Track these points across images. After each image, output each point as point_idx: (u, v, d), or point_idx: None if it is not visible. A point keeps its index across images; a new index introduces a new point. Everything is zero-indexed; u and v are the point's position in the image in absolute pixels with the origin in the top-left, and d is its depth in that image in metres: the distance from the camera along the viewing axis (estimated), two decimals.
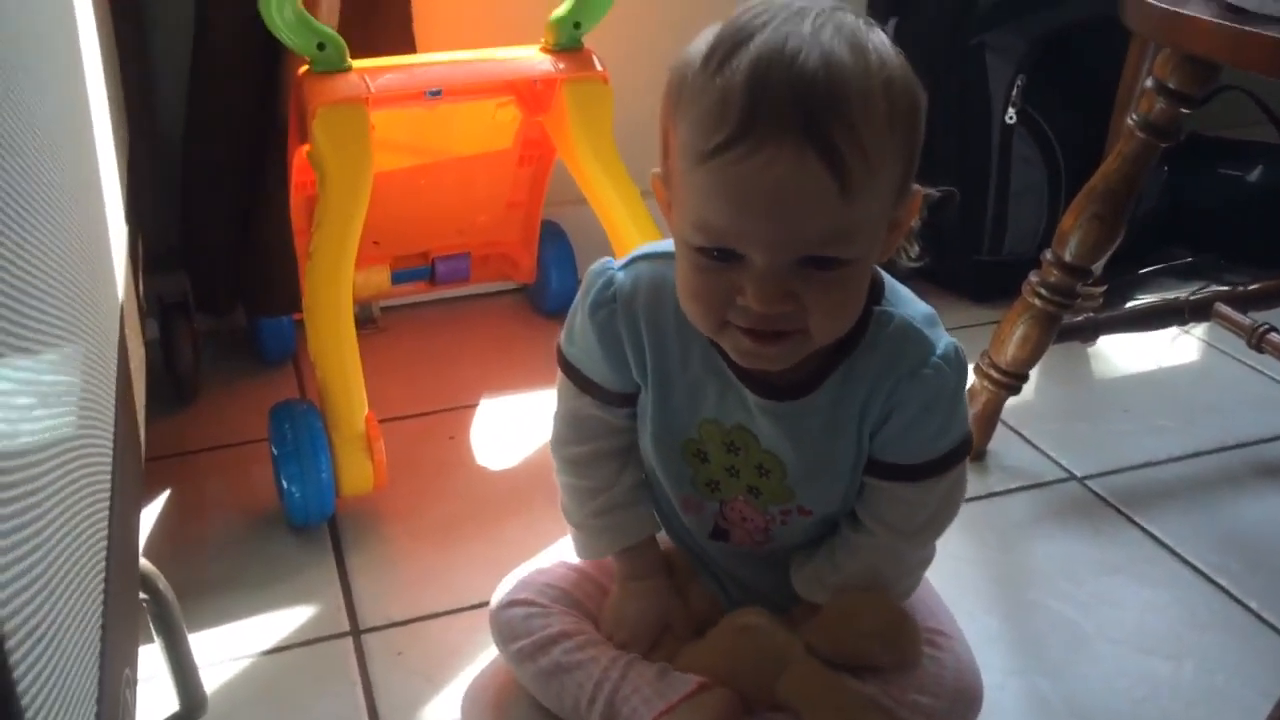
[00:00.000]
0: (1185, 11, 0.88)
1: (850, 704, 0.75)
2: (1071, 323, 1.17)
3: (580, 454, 0.81)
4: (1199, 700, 0.89)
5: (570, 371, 0.79)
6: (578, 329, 0.77)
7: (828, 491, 0.76)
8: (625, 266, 0.75)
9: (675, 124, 0.65)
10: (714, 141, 0.61)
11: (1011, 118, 1.47)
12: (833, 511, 0.78)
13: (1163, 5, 0.90)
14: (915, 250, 0.73)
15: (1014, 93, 1.46)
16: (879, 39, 0.65)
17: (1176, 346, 1.44)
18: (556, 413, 0.82)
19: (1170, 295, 1.50)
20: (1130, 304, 1.33)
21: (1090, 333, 1.20)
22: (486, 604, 0.85)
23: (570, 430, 0.81)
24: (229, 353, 1.39)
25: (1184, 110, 1.02)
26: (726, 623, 0.79)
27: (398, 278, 1.40)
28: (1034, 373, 1.30)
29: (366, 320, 1.49)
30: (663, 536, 0.85)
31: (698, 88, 0.63)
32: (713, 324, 0.67)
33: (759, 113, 0.60)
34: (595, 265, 0.77)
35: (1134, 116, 1.04)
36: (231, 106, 1.27)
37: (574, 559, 0.86)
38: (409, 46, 1.31)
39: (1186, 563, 1.05)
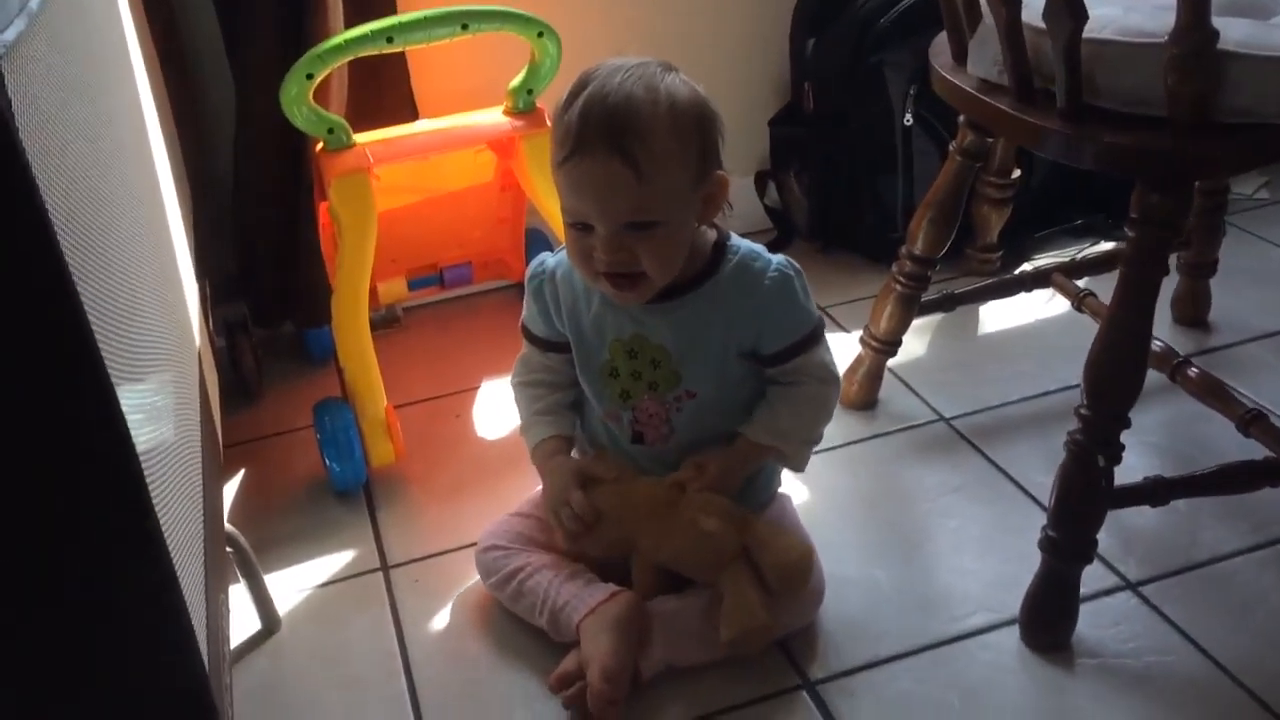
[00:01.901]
0: (955, 81, 1.17)
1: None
2: (930, 299, 1.47)
3: (527, 380, 1.19)
4: (993, 583, 1.21)
5: (525, 333, 1.19)
6: (526, 298, 1.17)
7: (703, 372, 1.10)
8: (554, 254, 1.14)
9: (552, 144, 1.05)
10: (561, 155, 1.01)
11: (909, 120, 1.76)
12: (710, 394, 1.11)
13: (944, 74, 1.20)
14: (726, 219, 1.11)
15: (908, 100, 1.75)
16: (671, 80, 1.02)
17: (1052, 303, 1.73)
18: (516, 361, 1.20)
19: (1053, 259, 1.80)
20: (990, 279, 1.60)
21: (948, 306, 1.50)
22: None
23: (522, 368, 1.20)
24: (284, 357, 1.74)
25: (988, 140, 1.32)
26: (690, 522, 1.09)
27: (414, 285, 1.74)
28: (927, 332, 1.62)
29: (392, 320, 1.83)
30: None
31: (557, 120, 1.03)
32: (587, 273, 1.05)
33: (584, 135, 0.99)
34: (535, 260, 1.16)
35: (953, 144, 1.34)
36: (270, 164, 1.59)
37: (532, 510, 1.21)
38: (412, 113, 1.64)
39: (1014, 481, 1.36)
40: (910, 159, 1.79)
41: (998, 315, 1.71)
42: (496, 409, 1.58)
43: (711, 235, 1.11)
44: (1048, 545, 1.10)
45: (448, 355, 1.74)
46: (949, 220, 1.37)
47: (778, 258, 1.11)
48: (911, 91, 1.74)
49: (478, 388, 1.65)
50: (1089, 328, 1.59)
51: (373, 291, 1.65)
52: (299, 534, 1.36)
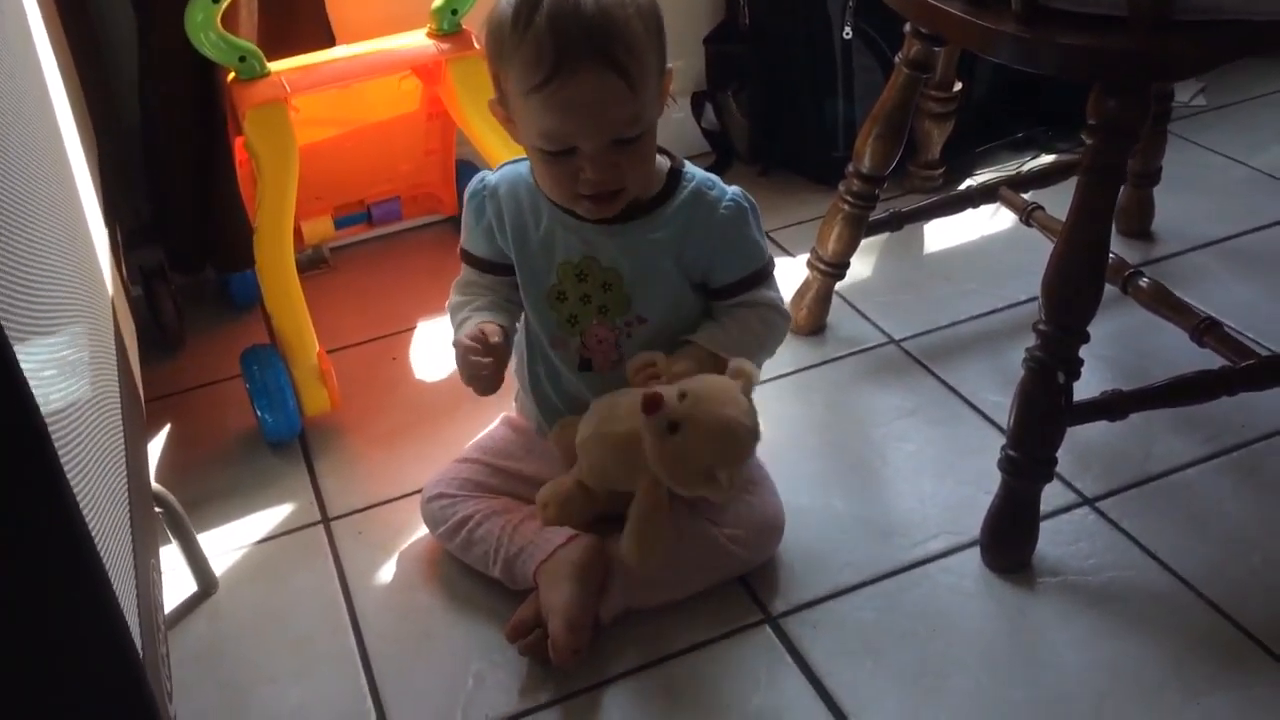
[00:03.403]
0: None
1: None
2: (878, 218, 1.43)
3: (463, 295, 1.11)
4: (952, 506, 1.19)
5: (463, 254, 1.12)
6: (465, 220, 1.10)
7: (656, 297, 1.05)
8: (494, 171, 1.09)
9: (503, 69, 0.98)
10: (539, 79, 0.92)
11: (848, 34, 1.71)
12: (661, 320, 1.06)
13: None
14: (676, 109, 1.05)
15: (846, 14, 1.69)
16: None
17: (996, 219, 1.70)
18: (453, 286, 1.13)
19: (995, 174, 1.77)
20: (934, 196, 1.57)
21: (895, 224, 1.46)
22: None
23: (459, 288, 1.13)
24: (206, 304, 1.65)
25: (936, 49, 1.27)
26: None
27: (340, 223, 1.67)
28: (873, 253, 1.59)
29: (319, 261, 1.74)
30: None
31: (515, 41, 0.94)
32: (566, 197, 1.00)
33: (564, 53, 0.91)
34: (474, 177, 1.10)
35: (899, 56, 1.29)
36: (178, 99, 1.49)
37: (479, 454, 1.16)
38: (328, 39, 1.55)
39: (967, 402, 1.34)
40: (850, 75, 1.74)
41: (943, 233, 1.68)
42: (434, 350, 1.52)
43: (666, 162, 1.05)
44: (1007, 465, 1.08)
45: (380, 296, 1.67)
46: (896, 135, 1.33)
47: (732, 189, 1.07)
48: (850, 3, 1.69)
49: (413, 328, 1.59)
50: (1035, 242, 1.57)
51: (297, 232, 1.57)
52: (232, 489, 1.30)
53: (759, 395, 1.15)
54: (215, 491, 1.30)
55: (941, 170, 1.79)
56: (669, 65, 1.00)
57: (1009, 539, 1.10)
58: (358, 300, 1.67)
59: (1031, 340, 1.05)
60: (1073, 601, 1.07)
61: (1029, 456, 1.07)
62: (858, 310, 1.53)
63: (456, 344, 1.05)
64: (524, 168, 1.08)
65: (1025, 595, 1.08)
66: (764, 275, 1.08)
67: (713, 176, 1.07)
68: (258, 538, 1.23)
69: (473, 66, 1.42)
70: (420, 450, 1.33)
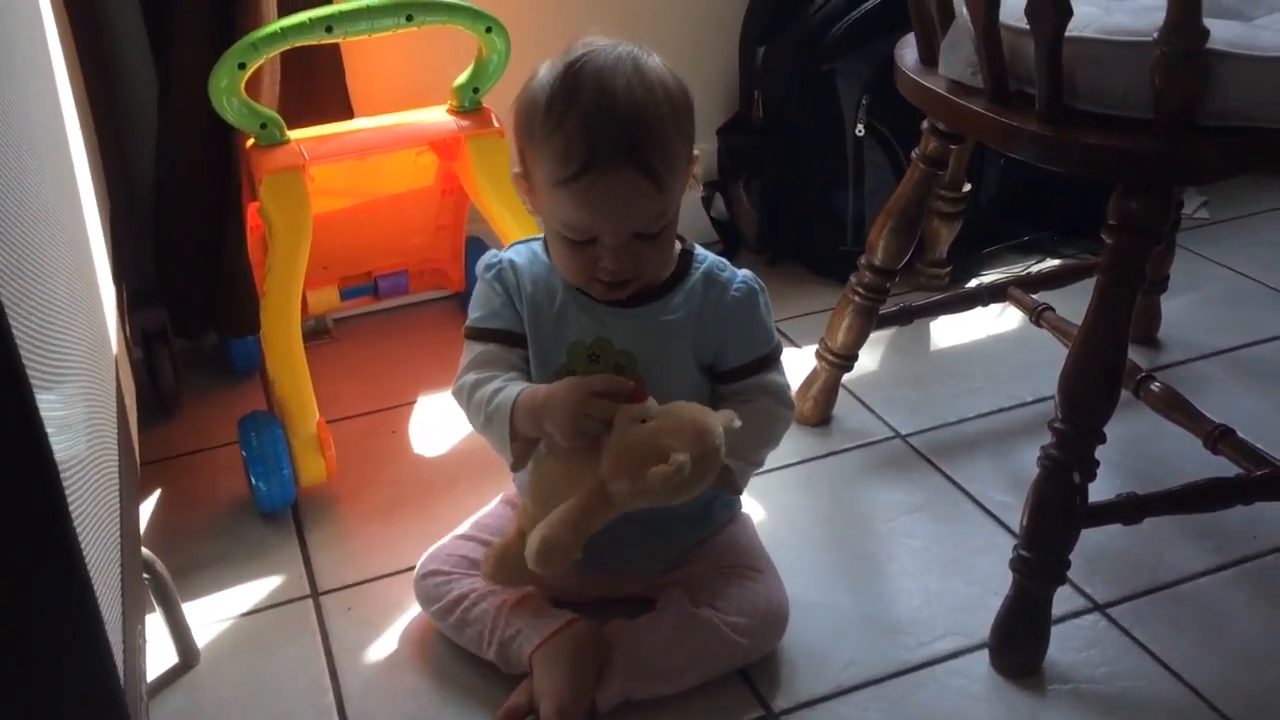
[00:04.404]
0: (924, 83, 1.13)
1: None
2: (888, 311, 1.42)
3: (481, 373, 1.04)
4: (960, 607, 1.16)
5: (476, 333, 1.07)
6: (477, 297, 1.07)
7: (668, 381, 1.02)
8: (507, 249, 1.07)
9: (531, 149, 0.97)
10: (568, 173, 0.92)
11: (860, 131, 1.73)
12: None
13: (912, 75, 1.16)
14: (700, 189, 1.05)
15: (860, 111, 1.71)
16: (656, 64, 0.96)
17: (1001, 319, 1.70)
18: (462, 367, 1.06)
19: (1000, 275, 1.78)
20: (944, 293, 1.58)
21: (905, 319, 1.46)
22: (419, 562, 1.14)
23: (473, 367, 1.05)
24: (204, 368, 1.64)
25: (952, 147, 1.28)
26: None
27: (346, 294, 1.66)
28: (880, 347, 1.58)
29: (321, 332, 1.74)
30: None
31: (547, 130, 0.93)
32: (581, 280, 1.00)
33: (595, 153, 0.91)
34: (486, 254, 1.08)
35: (916, 152, 1.30)
36: (194, 163, 1.49)
37: (476, 532, 1.13)
38: (346, 111, 1.56)
39: (974, 500, 1.32)
40: (861, 170, 1.75)
41: (949, 331, 1.68)
42: (434, 424, 1.50)
43: (676, 244, 1.05)
44: (1020, 565, 1.06)
45: (381, 368, 1.65)
46: (910, 230, 1.33)
47: (743, 272, 1.06)
48: (864, 101, 1.71)
49: (414, 402, 1.57)
50: (1043, 343, 1.57)
51: (302, 301, 1.58)
52: (221, 558, 1.27)
53: (763, 486, 1.13)
54: (203, 560, 1.26)
55: (948, 270, 1.80)
56: (695, 151, 1.00)
57: (1020, 642, 1.08)
58: (359, 372, 1.65)
59: (1041, 440, 1.04)
60: (1085, 711, 1.04)
61: (1042, 557, 1.05)
62: (864, 403, 1.52)
63: (571, 385, 0.96)
64: (538, 245, 1.07)
65: (1036, 701, 1.05)
66: (773, 359, 1.07)
67: (722, 260, 1.07)
68: (244, 610, 1.20)
69: (492, 144, 1.42)
70: (416, 526, 1.30)
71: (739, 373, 1.06)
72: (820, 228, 1.80)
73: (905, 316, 1.45)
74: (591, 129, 0.91)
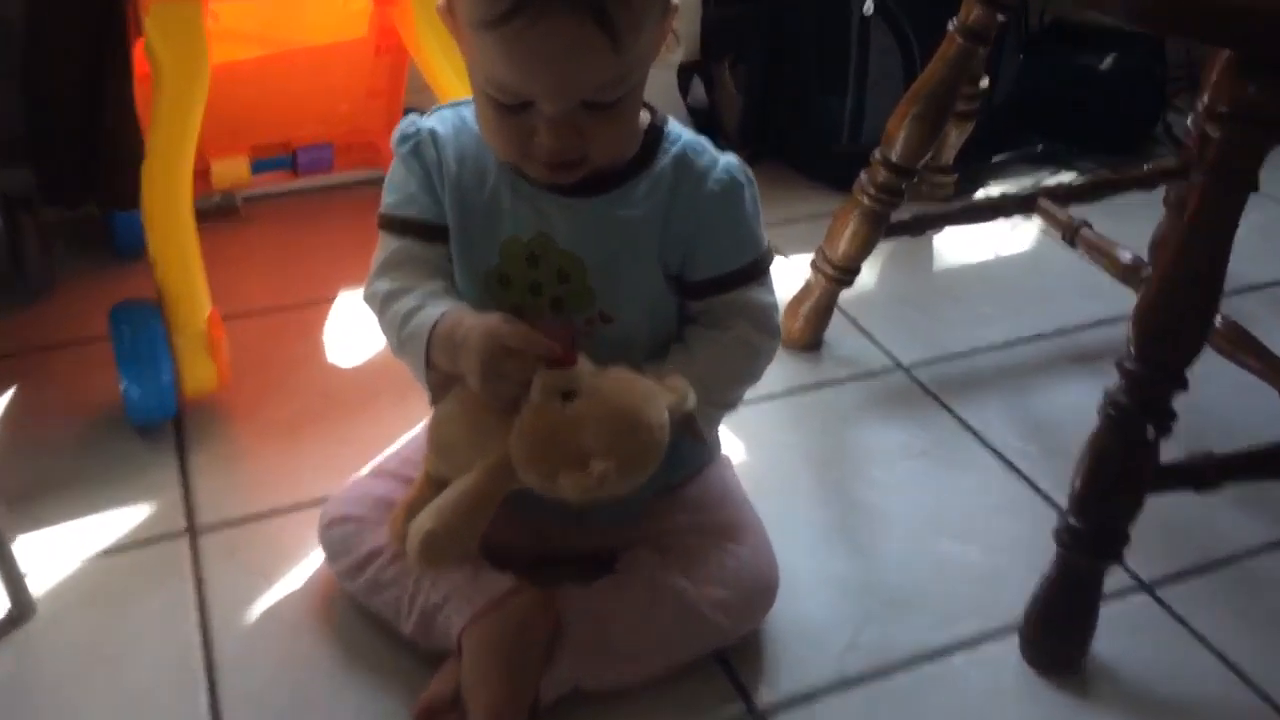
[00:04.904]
0: None
1: None
2: (900, 219, 1.20)
3: (396, 287, 0.81)
4: (981, 578, 0.96)
5: (389, 223, 0.84)
6: (391, 176, 0.84)
7: (627, 291, 0.81)
8: (430, 115, 0.83)
9: None
10: (495, 11, 0.68)
11: (869, 8, 1.49)
12: (632, 321, 0.82)
13: None
14: (679, 53, 0.82)
15: None
16: None
17: (1014, 236, 1.49)
18: (374, 266, 0.84)
19: (1010, 187, 1.57)
20: (960, 201, 1.37)
21: (917, 228, 1.24)
22: (325, 500, 0.91)
23: (386, 270, 0.83)
24: (84, 247, 1.38)
25: (1000, 16, 1.05)
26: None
27: (258, 167, 1.40)
28: (876, 262, 1.37)
29: (228, 210, 1.49)
30: None
31: None
32: (514, 156, 0.76)
33: None
34: (404, 121, 0.84)
35: (954, 22, 1.07)
36: None
37: (400, 466, 0.90)
38: None
39: (990, 447, 1.12)
40: (865, 57, 1.52)
41: (953, 248, 1.47)
42: (353, 328, 1.27)
43: (645, 116, 0.81)
44: (1068, 538, 0.85)
45: (295, 257, 1.41)
46: (937, 119, 1.11)
47: (727, 157, 0.83)
48: None
49: (332, 300, 1.33)
50: (1065, 265, 1.37)
51: (204, 172, 1.34)
52: (76, 479, 1.03)
53: (742, 419, 0.92)
54: (54, 480, 1.03)
55: (954, 178, 1.58)
56: (674, 0, 0.76)
57: (1062, 630, 0.88)
58: (269, 260, 1.41)
59: (1065, 381, 0.84)
60: (1137, 713, 0.85)
61: (1097, 528, 0.84)
62: (859, 327, 1.31)
63: (487, 331, 0.75)
64: (469, 110, 0.82)
65: (1078, 703, 0.86)
66: (757, 271, 0.84)
67: (701, 140, 0.83)
68: (99, 548, 0.96)
69: None
70: (324, 452, 1.07)
71: (712, 286, 0.83)
72: (812, 122, 1.57)
73: (917, 226, 1.23)
74: None
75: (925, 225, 1.24)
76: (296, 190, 1.52)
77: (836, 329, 1.28)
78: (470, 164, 0.81)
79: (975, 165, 1.63)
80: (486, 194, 0.80)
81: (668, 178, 0.80)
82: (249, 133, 1.37)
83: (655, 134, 0.82)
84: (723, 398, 0.85)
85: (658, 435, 0.74)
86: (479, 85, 0.74)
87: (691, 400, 0.77)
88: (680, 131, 0.83)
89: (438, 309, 0.79)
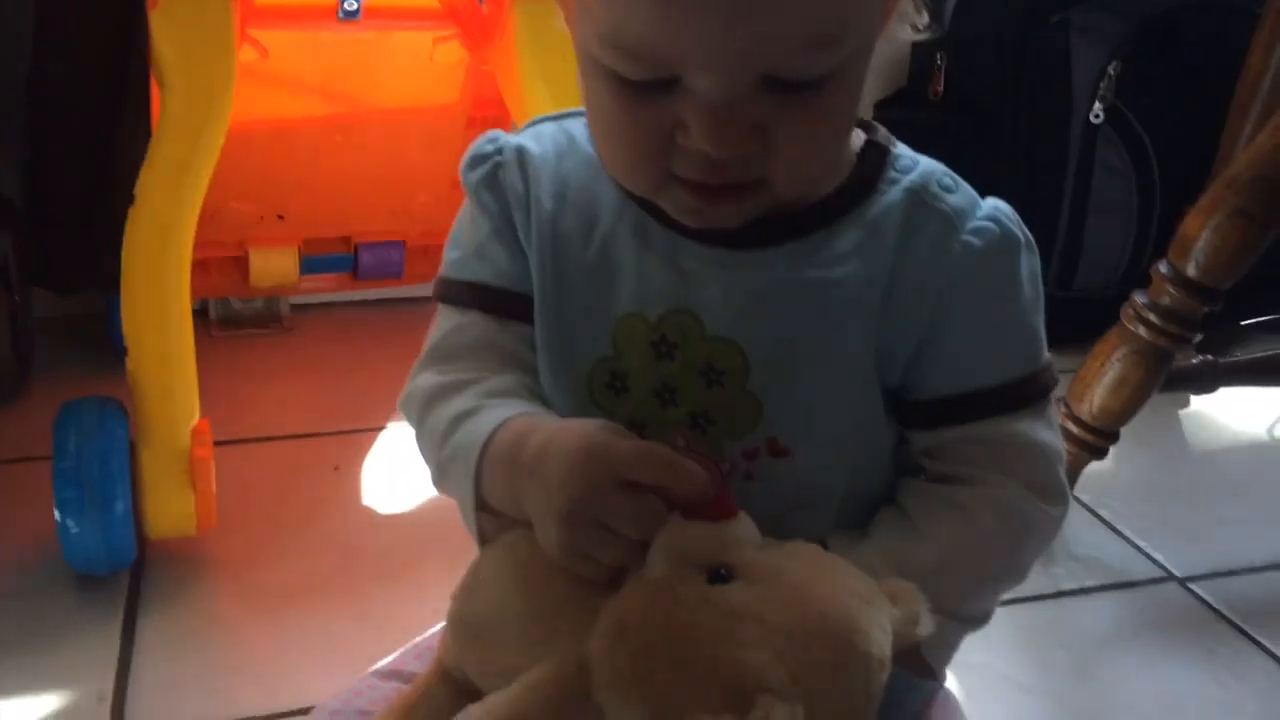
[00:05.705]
0: None
1: None
2: (1182, 366, 0.85)
3: (448, 372, 0.52)
4: None
5: (446, 290, 0.54)
6: (460, 221, 0.56)
7: (817, 405, 0.49)
8: (523, 129, 0.55)
9: None
10: None
11: (1098, 115, 1.23)
12: (819, 457, 0.49)
13: None
14: (924, 20, 0.51)
15: (1104, 84, 1.21)
16: None
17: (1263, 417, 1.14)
18: (419, 361, 0.55)
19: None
20: (1257, 349, 1.03)
21: (1208, 381, 0.89)
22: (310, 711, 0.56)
23: (436, 359, 0.53)
24: (77, 342, 1.13)
25: None
26: None
27: (309, 265, 1.14)
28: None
29: (270, 319, 1.27)
30: None
31: None
32: (650, 178, 0.48)
33: None
34: (477, 140, 0.55)
35: None
36: (87, 33, 1.03)
37: (416, 665, 0.55)
38: None
39: None
40: (1088, 176, 1.25)
41: (1216, 416, 1.12)
42: (400, 464, 0.97)
43: (860, 134, 0.50)
44: None
45: (341, 379, 1.15)
46: (1269, 216, 0.76)
47: (991, 201, 0.49)
48: (1112, 71, 1.21)
49: (377, 430, 1.03)
50: None
51: (242, 262, 1.10)
52: None
53: None
54: None
55: (1200, 339, 1.24)
56: None
57: None
58: (307, 379, 1.16)
59: None
60: None
61: None
62: (1100, 518, 0.96)
63: (583, 448, 0.44)
64: (579, 127, 0.51)
65: None
66: (1037, 392, 0.49)
67: (948, 172, 0.51)
68: None
69: (550, 11, 0.88)
70: (327, 632, 0.77)
71: (959, 408, 0.48)
72: None
73: (1208, 377, 0.88)
74: None
75: (1220, 377, 0.88)
76: (355, 301, 1.28)
77: (1071, 520, 0.93)
78: (574, 199, 0.50)
79: (1217, 330, 1.29)
80: (596, 245, 0.48)
81: (894, 223, 0.47)
82: (300, 219, 1.11)
83: (877, 156, 0.49)
84: (968, 608, 0.49)
85: (875, 670, 0.40)
86: (593, 58, 0.44)
87: (926, 624, 0.42)
88: (915, 157, 0.51)
89: (500, 413, 0.46)
